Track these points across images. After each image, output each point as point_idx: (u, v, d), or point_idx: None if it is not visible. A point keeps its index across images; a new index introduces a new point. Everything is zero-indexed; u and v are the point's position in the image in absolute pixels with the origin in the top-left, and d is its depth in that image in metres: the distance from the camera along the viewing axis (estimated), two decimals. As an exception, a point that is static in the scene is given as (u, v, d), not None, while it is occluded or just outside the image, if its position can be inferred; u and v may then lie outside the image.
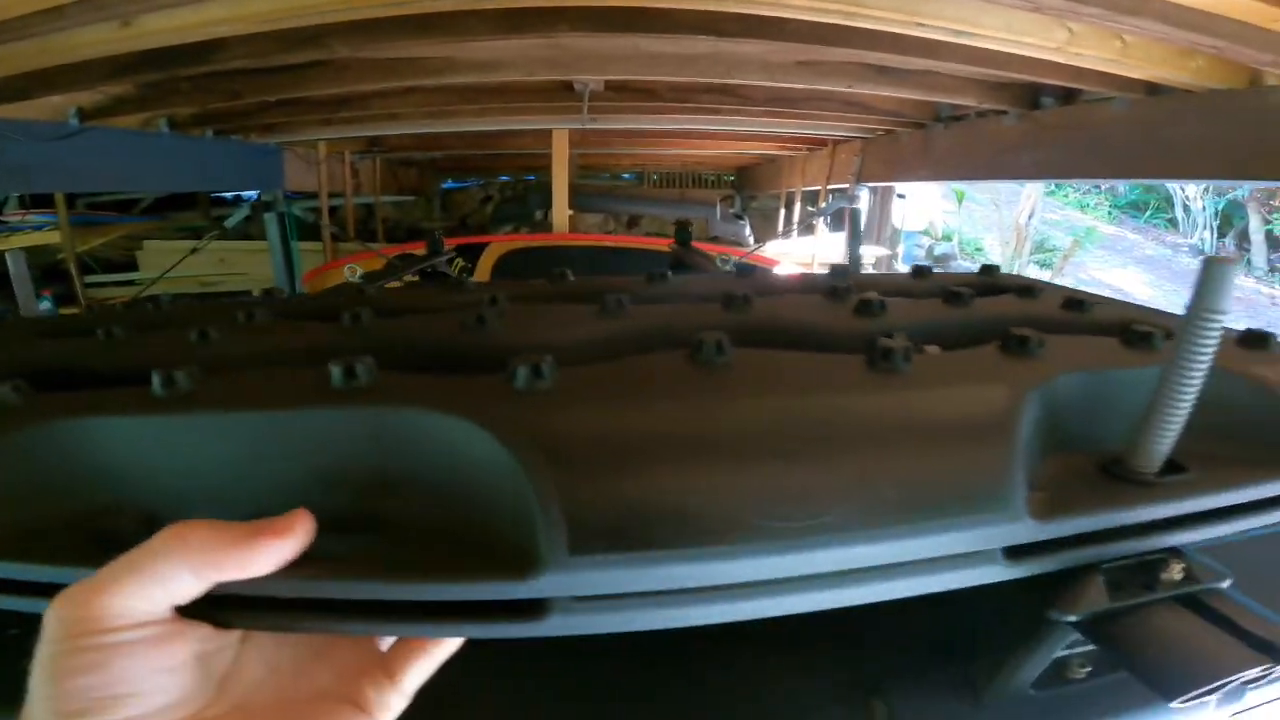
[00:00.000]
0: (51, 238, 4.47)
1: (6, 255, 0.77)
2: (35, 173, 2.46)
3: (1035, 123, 2.61)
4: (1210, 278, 0.35)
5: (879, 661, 0.49)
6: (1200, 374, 0.36)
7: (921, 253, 8.66)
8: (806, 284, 0.84)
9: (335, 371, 0.36)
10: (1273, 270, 9.94)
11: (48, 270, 4.73)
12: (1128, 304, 0.74)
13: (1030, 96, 2.57)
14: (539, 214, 5.45)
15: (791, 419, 0.37)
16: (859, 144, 4.00)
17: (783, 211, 5.57)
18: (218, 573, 0.28)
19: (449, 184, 7.80)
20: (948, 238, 10.14)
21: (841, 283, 0.68)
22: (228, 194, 5.70)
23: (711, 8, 1.79)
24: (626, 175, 8.03)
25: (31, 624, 0.27)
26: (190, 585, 0.28)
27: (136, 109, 2.72)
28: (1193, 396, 0.37)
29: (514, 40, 2.27)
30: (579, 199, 4.78)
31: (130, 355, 0.52)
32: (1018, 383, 0.42)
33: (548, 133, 3.98)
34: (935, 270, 0.88)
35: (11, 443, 0.34)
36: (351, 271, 1.31)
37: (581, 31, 1.97)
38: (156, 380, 0.36)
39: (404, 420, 0.34)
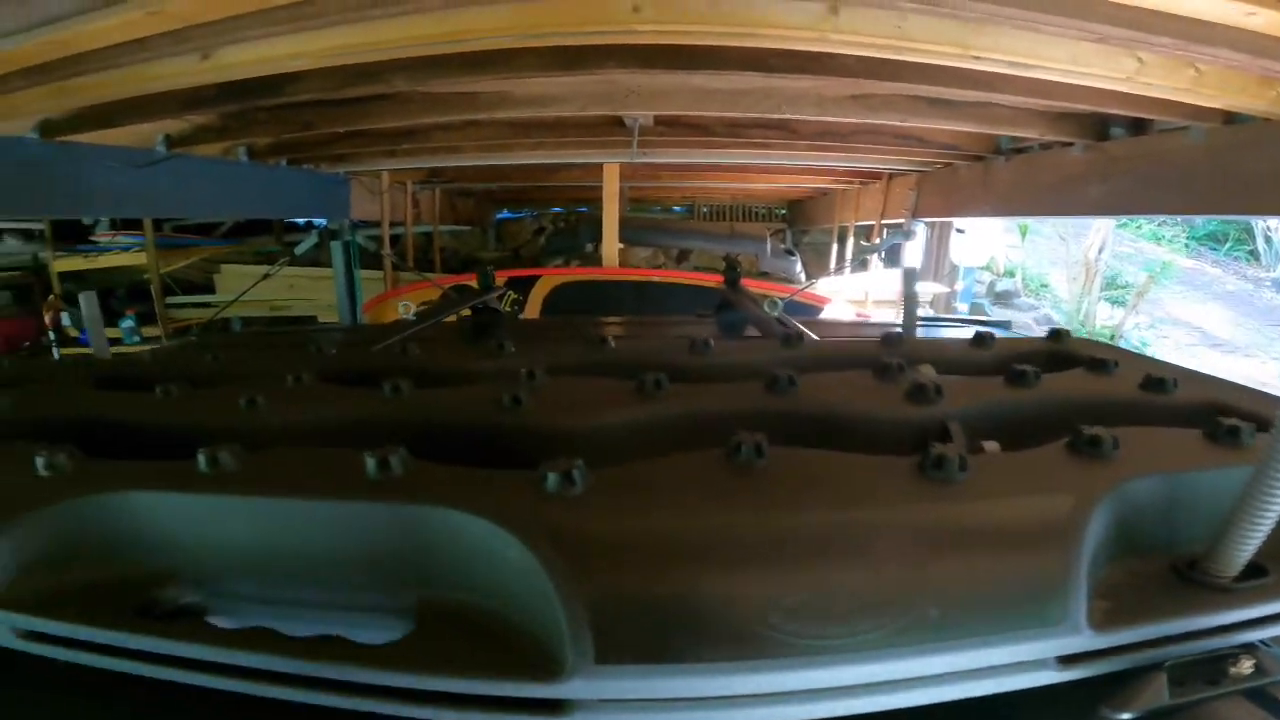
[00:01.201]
0: (138, 259, 4.82)
1: (80, 297, 0.83)
2: (126, 197, 2.64)
3: (1103, 154, 2.50)
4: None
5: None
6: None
7: (982, 289, 8.37)
8: (857, 354, 0.78)
9: (370, 463, 0.36)
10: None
11: (133, 290, 5.08)
12: (1215, 381, 0.66)
13: (1098, 127, 2.47)
14: (589, 247, 5.53)
15: (833, 531, 0.35)
16: (914, 178, 3.93)
17: (834, 247, 5.49)
18: None
19: (503, 214, 8.06)
20: (1010, 274, 9.78)
21: (894, 357, 0.63)
22: (299, 220, 6.04)
23: (759, 45, 1.79)
24: (677, 208, 8.14)
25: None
26: None
27: (218, 137, 2.91)
28: (1284, 502, 0.33)
29: (565, 76, 2.34)
30: (629, 232, 4.84)
31: (179, 417, 0.53)
32: (1085, 491, 0.39)
33: (599, 166, 4.07)
34: (998, 334, 0.81)
35: (61, 510, 0.35)
36: (405, 309, 1.35)
37: (630, 69, 2.01)
38: (202, 460, 0.37)
39: (436, 517, 0.34)
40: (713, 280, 4.18)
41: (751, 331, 1.69)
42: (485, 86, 2.57)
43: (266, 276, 3.54)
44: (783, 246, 6.03)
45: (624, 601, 0.31)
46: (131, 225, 4.85)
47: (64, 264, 4.96)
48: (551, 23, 1.63)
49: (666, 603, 0.31)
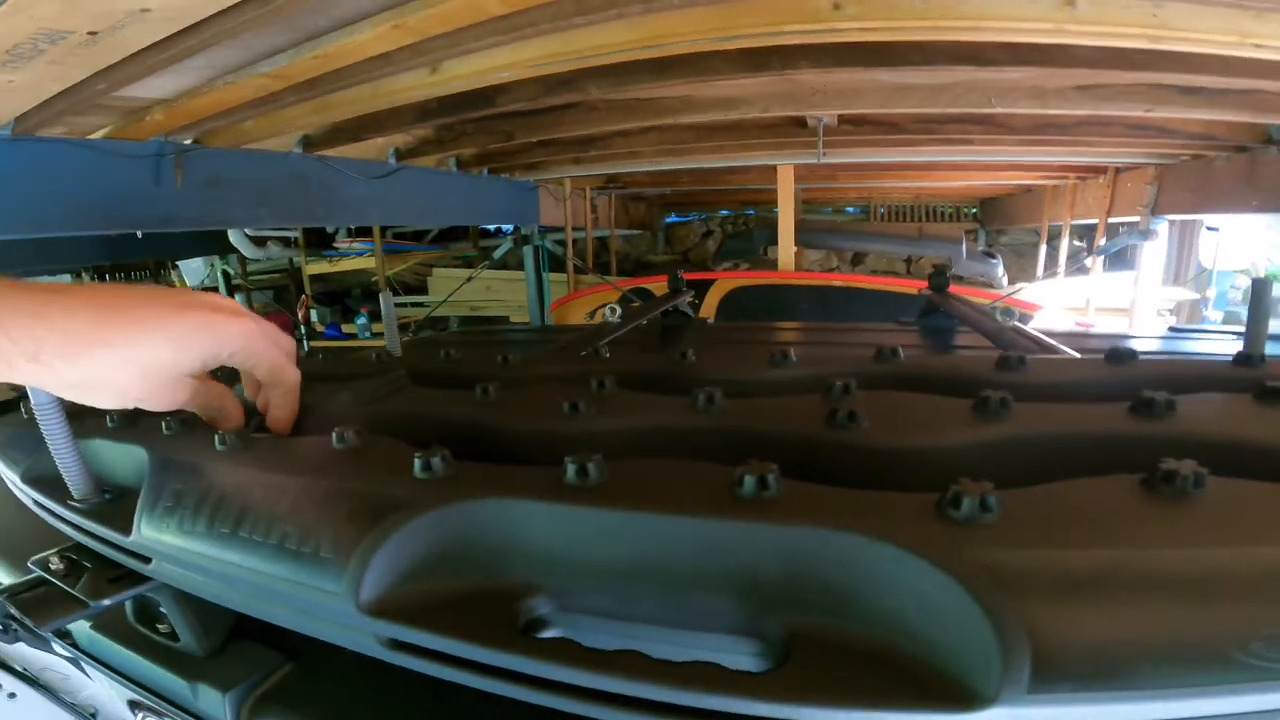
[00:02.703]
0: (368, 263, 5.60)
1: (380, 297, 0.92)
2: (368, 206, 3.06)
3: None
4: None
5: None
6: None
7: (1238, 295, 6.96)
8: (1207, 375, 0.64)
9: (748, 481, 0.35)
10: None
11: (365, 290, 5.93)
12: None
13: None
14: (763, 250, 5.42)
15: None
16: (1152, 171, 3.35)
17: (1043, 248, 4.87)
18: None
19: (672, 218, 8.21)
20: (1276, 277, 8.00)
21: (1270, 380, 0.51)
22: (489, 226, 6.64)
23: (975, 38, 1.64)
24: (850, 209, 7.72)
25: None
26: None
27: (435, 149, 3.29)
28: None
29: (751, 78, 2.32)
30: (805, 235, 4.68)
31: (510, 420, 0.52)
32: None
33: (771, 167, 3.98)
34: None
35: (439, 515, 0.37)
36: (611, 312, 1.39)
37: (824, 68, 1.94)
38: (571, 470, 0.37)
39: (825, 541, 0.33)
40: (903, 286, 3.90)
41: (951, 341, 1.53)
42: (670, 91, 2.63)
43: (470, 279, 3.92)
44: (981, 248, 5.43)
45: (1063, 630, 0.29)
46: (362, 233, 5.65)
47: (312, 268, 5.92)
48: (746, 23, 1.62)
49: (1114, 629, 0.29)
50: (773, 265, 4.54)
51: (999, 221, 6.28)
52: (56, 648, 0.86)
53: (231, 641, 0.57)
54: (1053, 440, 0.46)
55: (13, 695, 0.95)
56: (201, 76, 1.88)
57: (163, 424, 0.52)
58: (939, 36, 1.64)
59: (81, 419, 0.52)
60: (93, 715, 1.03)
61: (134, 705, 0.64)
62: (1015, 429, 0.46)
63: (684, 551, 0.34)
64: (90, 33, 1.37)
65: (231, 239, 5.31)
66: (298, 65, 1.78)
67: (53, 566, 0.52)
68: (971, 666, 0.28)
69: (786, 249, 4.00)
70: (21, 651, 0.95)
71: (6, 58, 1.44)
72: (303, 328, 5.22)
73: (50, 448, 0.48)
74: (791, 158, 3.28)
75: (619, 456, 0.40)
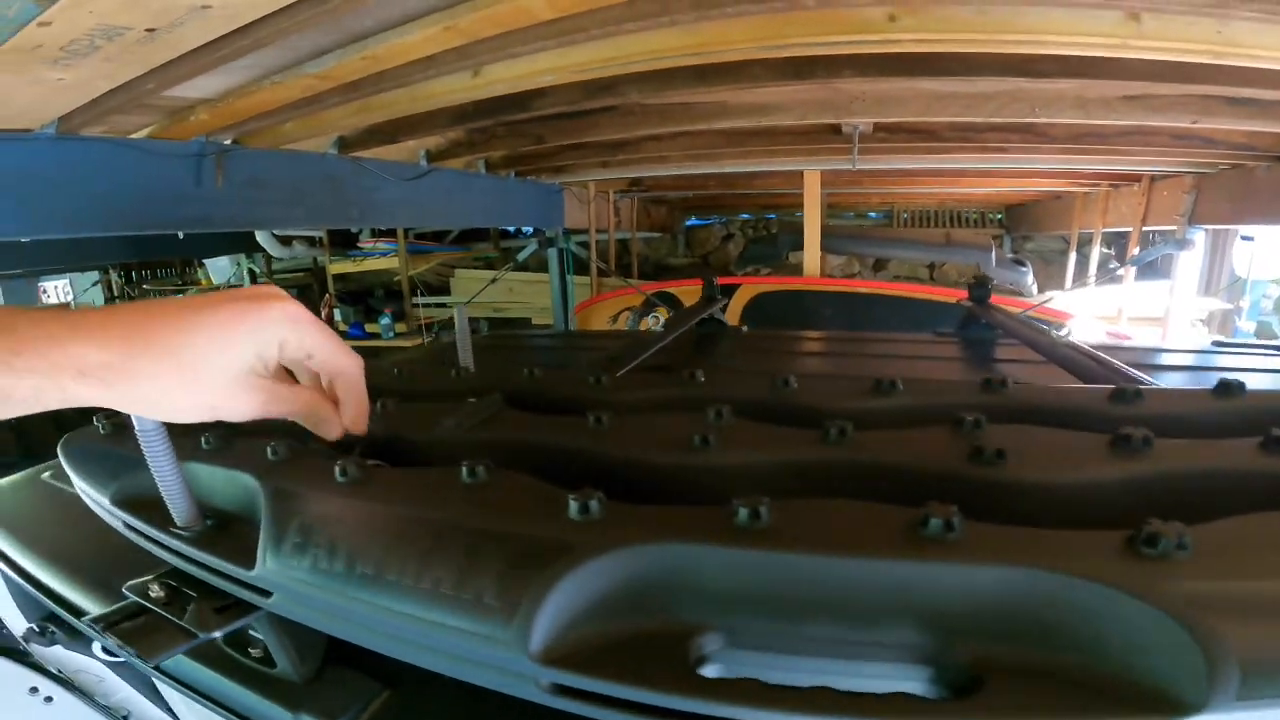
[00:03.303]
0: (391, 263, 5.64)
1: (454, 310, 0.88)
2: (398, 208, 3.07)
3: None
4: None
5: None
6: None
7: (1269, 304, 6.85)
8: None
9: (934, 523, 0.35)
10: None
11: (389, 290, 5.96)
12: None
13: None
14: (787, 255, 5.37)
15: None
16: (1189, 180, 3.30)
17: (1072, 256, 4.80)
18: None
19: (692, 221, 8.20)
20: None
21: None
22: (510, 227, 6.65)
23: (1029, 51, 1.62)
24: (873, 214, 7.67)
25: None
26: None
27: (466, 152, 3.29)
28: None
29: (792, 85, 2.31)
30: (831, 240, 4.64)
31: (632, 450, 0.50)
32: None
33: (795, 172, 3.96)
34: None
35: (603, 562, 0.36)
36: (655, 321, 1.38)
37: (869, 77, 1.93)
38: (744, 513, 0.36)
39: (1028, 579, 0.33)
40: (933, 293, 3.85)
41: (993, 354, 1.50)
42: (707, 97, 2.62)
43: (494, 281, 3.93)
44: (1010, 255, 5.35)
45: (1265, 646, 0.31)
46: (385, 233, 5.68)
47: (336, 267, 5.97)
48: (796, 33, 1.61)
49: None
50: (795, 270, 4.52)
51: (1026, 228, 6.22)
52: (98, 652, 0.85)
53: (326, 667, 0.56)
54: (1193, 476, 0.45)
55: (49, 699, 0.95)
56: (248, 76, 1.88)
57: (267, 449, 0.51)
58: (992, 49, 1.63)
59: (178, 442, 0.51)
60: (125, 718, 1.03)
61: None
62: (1157, 465, 0.45)
63: (867, 590, 0.34)
64: (148, 29, 1.37)
65: (259, 238, 5.36)
66: (344, 66, 1.78)
67: (152, 594, 0.51)
68: (1177, 681, 0.29)
69: (812, 254, 3.98)
70: (57, 654, 0.96)
71: (61, 54, 1.43)
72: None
73: (155, 474, 0.47)
74: (822, 164, 3.26)
75: (754, 492, 0.39)
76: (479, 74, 2.10)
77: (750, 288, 3.68)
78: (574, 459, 0.50)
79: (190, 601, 0.49)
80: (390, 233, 5.53)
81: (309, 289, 6.60)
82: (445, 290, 5.61)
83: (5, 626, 1.00)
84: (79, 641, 0.86)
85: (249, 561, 0.43)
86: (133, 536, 0.54)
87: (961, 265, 5.45)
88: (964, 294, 1.60)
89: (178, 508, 0.48)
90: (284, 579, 0.42)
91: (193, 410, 0.41)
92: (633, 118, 2.96)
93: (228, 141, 2.27)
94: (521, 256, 4.12)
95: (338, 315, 5.64)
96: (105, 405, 0.38)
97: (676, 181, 5.26)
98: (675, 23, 1.51)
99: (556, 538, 0.37)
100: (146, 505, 0.53)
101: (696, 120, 2.80)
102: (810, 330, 1.71)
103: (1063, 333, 1.23)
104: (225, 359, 0.41)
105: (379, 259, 5.65)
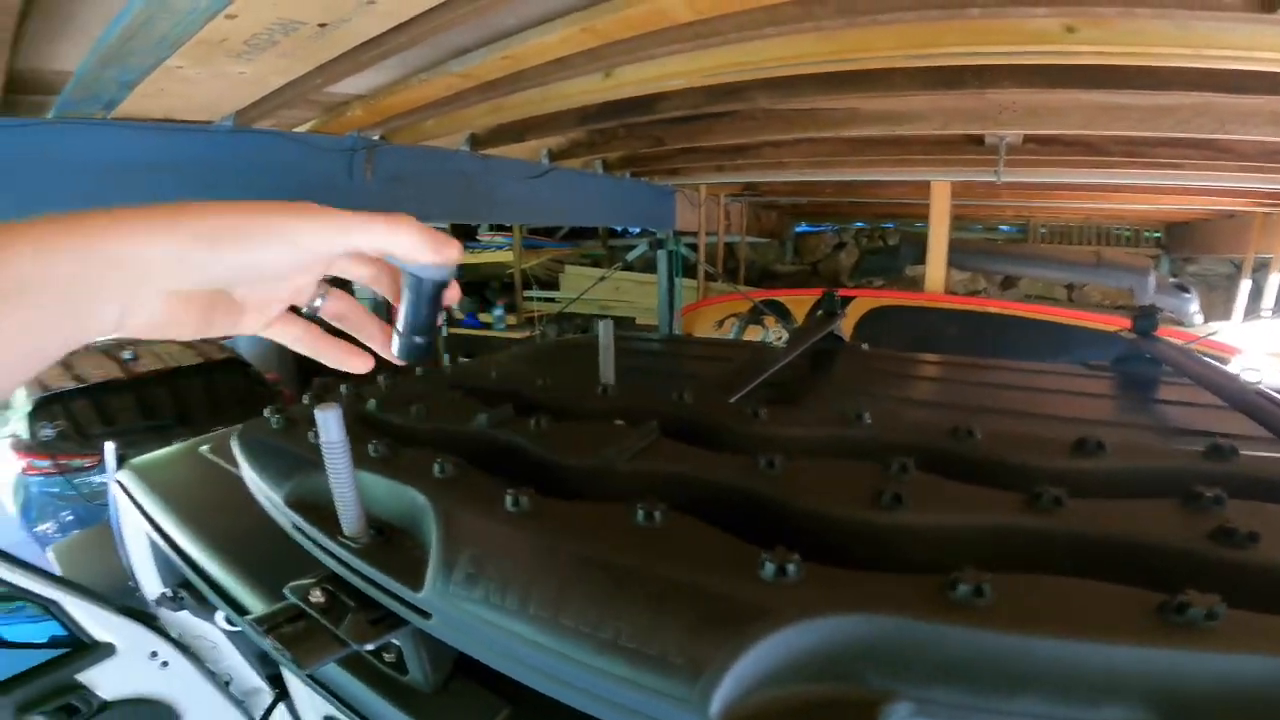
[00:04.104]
0: (505, 256, 5.87)
1: (599, 325, 0.85)
2: (519, 205, 3.18)
3: None
4: None
5: None
6: None
7: None
8: None
9: (1194, 612, 0.31)
10: None
11: (503, 283, 6.21)
12: None
13: None
14: (908, 269, 5.05)
15: None
16: None
17: (1244, 283, 4.22)
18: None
19: (802, 228, 7.95)
20: None
21: None
22: (616, 226, 6.73)
23: (1232, 66, 1.43)
24: (1005, 228, 7.11)
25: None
26: None
27: (586, 151, 3.35)
28: None
29: (933, 95, 2.17)
30: (957, 255, 4.33)
31: (824, 500, 0.46)
32: None
33: (920, 181, 3.72)
34: None
35: (810, 627, 0.34)
36: (777, 336, 1.33)
37: (1026, 88, 1.78)
38: (964, 590, 0.34)
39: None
40: (1077, 318, 3.49)
41: (1156, 394, 1.33)
42: (837, 104, 2.51)
43: (603, 279, 3.99)
44: (1172, 280, 4.75)
45: None
46: (502, 228, 5.92)
47: (455, 257, 6.23)
48: (952, 42, 1.50)
49: None
50: (913, 284, 4.25)
51: (1188, 249, 5.54)
52: (220, 621, 0.91)
53: (452, 679, 0.56)
54: None
55: (165, 664, 1.03)
56: (397, 74, 2.00)
57: (434, 465, 0.51)
58: (1185, 63, 1.45)
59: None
60: (227, 683, 1.11)
61: None
62: None
63: (1100, 673, 0.31)
64: (320, 24, 1.46)
65: (389, 227, 5.73)
66: (486, 65, 1.85)
67: (313, 600, 0.52)
68: None
69: (937, 269, 3.73)
70: (181, 619, 1.03)
71: (244, 48, 1.55)
72: (443, 314, 5.52)
73: (333, 484, 0.48)
74: (959, 174, 3.05)
75: (951, 559, 0.35)
76: (610, 75, 2.12)
77: (866, 301, 3.49)
78: (742, 503, 0.47)
79: (348, 611, 0.50)
80: (506, 228, 5.75)
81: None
82: (554, 285, 5.77)
83: (140, 590, 1.09)
84: (204, 609, 0.92)
85: (415, 581, 0.44)
86: (300, 539, 0.56)
87: (1110, 288, 4.91)
88: (1119, 321, 1.43)
89: (349, 519, 0.50)
90: (450, 606, 0.42)
91: (277, 290, 0.37)
92: (753, 122, 2.90)
93: (376, 137, 2.44)
94: (631, 256, 4.14)
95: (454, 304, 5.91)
96: (204, 283, 0.34)
97: (791, 187, 5.11)
98: (819, 29, 1.46)
99: (750, 600, 0.35)
100: (316, 508, 0.55)
101: (822, 127, 2.70)
102: (937, 353, 1.58)
103: (1247, 375, 1.05)
104: (329, 243, 0.36)
105: (494, 252, 5.90)
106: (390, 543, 0.50)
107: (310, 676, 0.61)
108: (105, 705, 0.97)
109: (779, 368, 1.22)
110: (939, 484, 0.46)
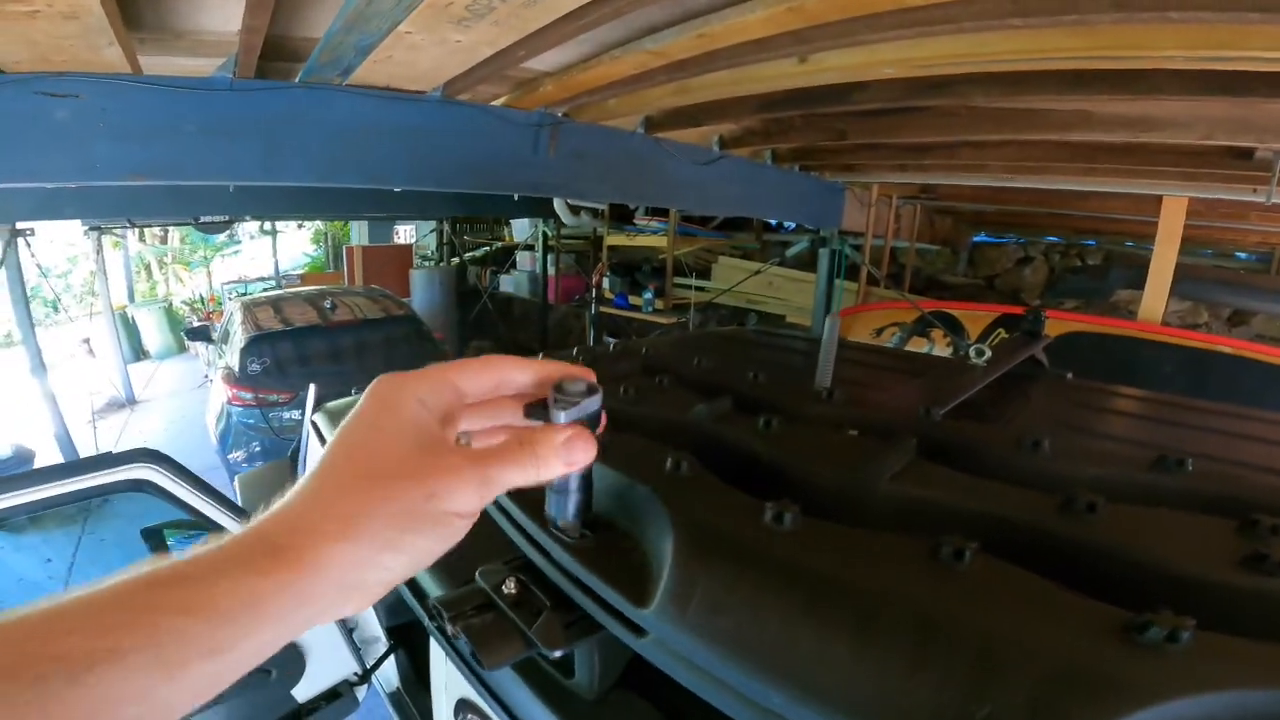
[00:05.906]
0: (659, 241, 5.90)
1: (825, 322, 0.79)
2: (688, 191, 3.15)
3: None
4: None
5: None
6: None
7: None
8: None
9: None
10: None
11: (654, 267, 6.28)
12: None
13: None
14: (1118, 293, 4.38)
15: None
16: None
17: None
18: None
19: (981, 237, 7.21)
20: None
21: None
22: (772, 220, 6.51)
23: None
24: (1241, 254, 5.97)
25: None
26: None
27: (758, 141, 3.23)
28: None
29: (1192, 100, 1.83)
30: (1186, 284, 3.65)
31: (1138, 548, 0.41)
32: None
33: (1139, 196, 3.18)
34: None
35: (1189, 705, 0.28)
36: (980, 354, 1.16)
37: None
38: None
39: None
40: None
41: None
42: (1066, 105, 2.20)
43: (758, 273, 3.86)
44: None
45: None
46: (658, 213, 5.94)
47: (612, 239, 6.42)
48: (1253, 45, 1.24)
49: None
50: (1113, 310, 3.67)
51: None
52: None
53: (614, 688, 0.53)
54: None
55: None
56: (588, 50, 2.01)
57: (667, 460, 0.46)
58: None
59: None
60: (352, 630, 1.16)
61: (464, 705, 0.62)
62: None
63: None
64: None
65: (555, 205, 5.99)
66: (679, 43, 1.80)
67: (506, 591, 0.48)
68: None
69: (1157, 296, 3.20)
70: None
71: (465, 14, 1.54)
72: (593, 291, 5.71)
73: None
74: (1212, 191, 2.57)
75: None
76: (805, 61, 2.00)
77: (1059, 323, 3.07)
78: (1045, 548, 0.39)
79: (541, 609, 0.46)
80: (662, 212, 5.77)
81: (586, 255, 7.22)
82: (706, 274, 5.71)
83: None
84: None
85: (640, 596, 0.39)
86: (506, 526, 0.54)
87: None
88: None
89: (568, 510, 0.42)
90: (681, 634, 0.37)
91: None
92: (953, 119, 2.63)
93: (560, 114, 2.51)
94: (791, 252, 3.94)
95: (606, 283, 6.10)
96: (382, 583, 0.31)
97: (976, 192, 4.64)
98: (1082, 21, 1.25)
99: (1104, 670, 0.28)
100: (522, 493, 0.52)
101: (1043, 129, 2.39)
102: (1155, 391, 1.33)
103: None
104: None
105: (650, 236, 5.95)
106: (606, 541, 0.45)
107: (473, 672, 0.58)
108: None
109: (980, 387, 1.09)
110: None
